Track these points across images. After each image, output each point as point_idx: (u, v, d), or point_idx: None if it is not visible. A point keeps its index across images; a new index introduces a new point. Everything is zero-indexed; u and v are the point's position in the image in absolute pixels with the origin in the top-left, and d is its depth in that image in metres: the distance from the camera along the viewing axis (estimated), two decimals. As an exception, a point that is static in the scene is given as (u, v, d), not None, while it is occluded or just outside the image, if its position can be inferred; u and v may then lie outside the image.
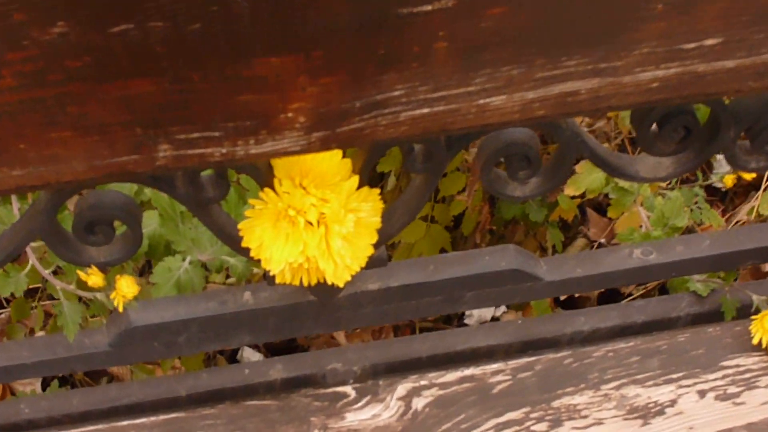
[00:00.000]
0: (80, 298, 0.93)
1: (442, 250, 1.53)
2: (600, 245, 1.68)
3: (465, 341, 1.03)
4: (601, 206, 1.71)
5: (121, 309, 0.87)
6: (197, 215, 0.82)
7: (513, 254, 0.95)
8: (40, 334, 1.38)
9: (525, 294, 0.96)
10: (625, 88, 0.68)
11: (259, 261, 0.83)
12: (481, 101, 0.68)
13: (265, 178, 0.80)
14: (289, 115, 0.67)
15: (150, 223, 1.00)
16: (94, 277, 0.87)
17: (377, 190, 0.84)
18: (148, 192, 1.03)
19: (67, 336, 0.90)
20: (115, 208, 0.78)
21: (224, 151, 0.68)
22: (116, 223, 0.81)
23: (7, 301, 1.63)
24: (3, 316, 1.65)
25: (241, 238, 0.82)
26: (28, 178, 0.65)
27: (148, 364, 1.40)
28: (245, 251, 0.83)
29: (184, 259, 0.95)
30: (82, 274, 0.86)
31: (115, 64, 0.58)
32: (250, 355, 1.61)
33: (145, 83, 0.60)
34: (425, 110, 0.69)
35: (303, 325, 0.92)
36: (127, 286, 0.88)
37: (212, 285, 1.36)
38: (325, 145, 0.69)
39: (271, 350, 1.62)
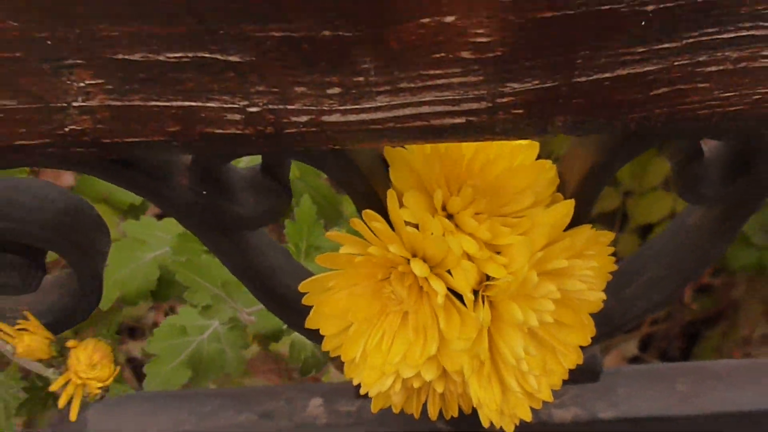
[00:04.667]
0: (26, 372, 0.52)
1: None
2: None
3: None
4: None
5: (74, 414, 0.45)
6: (215, 250, 0.39)
7: None
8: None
9: None
10: None
11: (337, 358, 0.40)
12: None
13: (366, 186, 0.37)
14: (447, 19, 0.23)
15: (165, 240, 0.58)
16: (29, 339, 0.45)
17: (610, 235, 0.39)
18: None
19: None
20: (39, 221, 0.37)
21: (255, 110, 0.24)
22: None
23: None
24: None
25: (305, 310, 0.39)
26: None
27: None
28: (313, 334, 0.39)
29: (210, 317, 0.52)
30: (6, 330, 0.44)
31: None
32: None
33: None
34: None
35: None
36: (90, 365, 0.45)
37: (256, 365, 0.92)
38: (532, 122, 0.25)
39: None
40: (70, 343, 0.46)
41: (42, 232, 0.37)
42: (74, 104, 0.24)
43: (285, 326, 0.52)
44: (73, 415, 0.45)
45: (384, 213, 0.37)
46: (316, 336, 0.40)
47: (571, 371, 0.42)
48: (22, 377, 0.53)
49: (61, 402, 0.46)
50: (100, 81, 0.24)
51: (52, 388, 0.46)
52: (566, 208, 0.37)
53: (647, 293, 0.42)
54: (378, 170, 0.37)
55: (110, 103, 0.24)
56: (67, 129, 0.25)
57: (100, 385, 0.45)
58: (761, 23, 0.25)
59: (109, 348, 0.47)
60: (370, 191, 0.37)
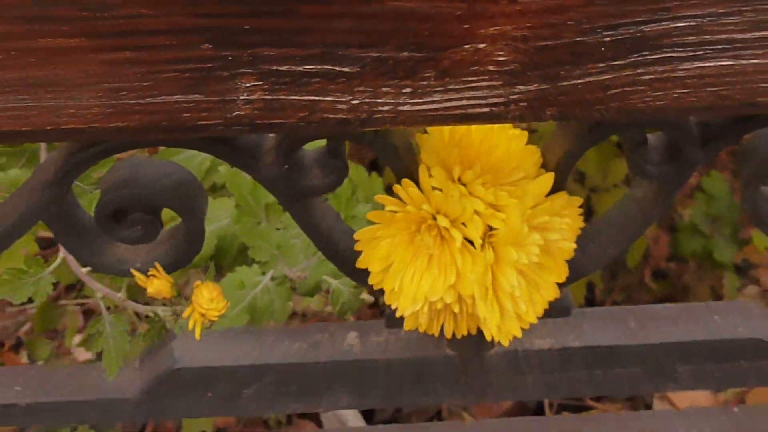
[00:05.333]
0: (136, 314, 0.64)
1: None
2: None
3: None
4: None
5: (198, 334, 0.57)
6: (291, 211, 0.52)
7: (756, 317, 0.63)
8: (76, 348, 1.09)
9: (766, 377, 0.64)
10: None
11: (379, 291, 0.53)
12: None
13: (403, 163, 0.50)
14: (480, 46, 0.37)
15: (221, 215, 0.71)
16: (157, 283, 0.57)
17: (579, 199, 0.53)
18: (223, 170, 0.74)
19: (106, 371, 0.61)
20: (162, 188, 0.50)
21: (356, 102, 0.38)
22: (166, 213, 0.52)
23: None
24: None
25: (355, 254, 0.52)
26: None
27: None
28: (360, 274, 0.53)
29: (264, 273, 0.65)
30: (139, 277, 0.57)
31: None
32: (346, 417, 1.22)
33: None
34: (726, 63, 0.39)
35: (430, 389, 0.63)
36: (210, 299, 0.57)
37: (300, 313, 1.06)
38: (532, 111, 0.39)
39: (366, 417, 1.26)
40: (195, 283, 0.59)
41: (163, 196, 0.50)
42: (241, 98, 0.38)
43: (323, 282, 0.65)
44: (197, 335, 0.58)
45: (414, 182, 0.50)
46: (360, 277, 0.54)
47: (549, 306, 0.56)
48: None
49: (190, 325, 0.58)
50: (259, 83, 0.37)
51: (185, 314, 0.58)
52: (548, 180, 0.51)
53: (605, 248, 0.56)
54: (410, 152, 0.51)
55: (264, 97, 0.38)
56: (233, 114, 0.38)
57: (216, 313, 0.58)
58: (677, 49, 0.39)
59: (220, 288, 0.59)
60: (404, 166, 0.51)
